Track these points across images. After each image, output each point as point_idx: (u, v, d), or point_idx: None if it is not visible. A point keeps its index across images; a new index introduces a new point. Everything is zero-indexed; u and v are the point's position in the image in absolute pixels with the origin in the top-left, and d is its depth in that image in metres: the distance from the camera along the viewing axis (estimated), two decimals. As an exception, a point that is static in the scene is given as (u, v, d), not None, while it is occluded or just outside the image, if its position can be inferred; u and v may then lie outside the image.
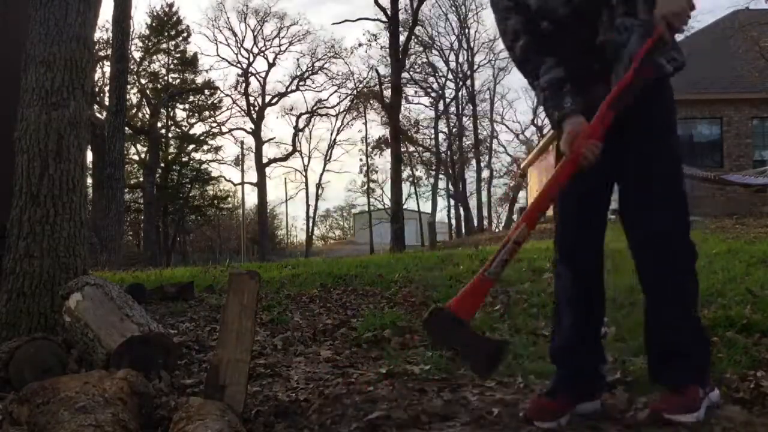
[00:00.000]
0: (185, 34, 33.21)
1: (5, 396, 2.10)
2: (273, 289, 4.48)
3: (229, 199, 36.88)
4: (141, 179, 29.13)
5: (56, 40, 2.80)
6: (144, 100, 30.07)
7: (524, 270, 4.88)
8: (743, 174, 14.57)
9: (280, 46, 35.64)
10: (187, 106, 33.40)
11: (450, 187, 35.94)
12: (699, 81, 16.97)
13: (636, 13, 1.79)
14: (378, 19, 24.65)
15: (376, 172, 38.16)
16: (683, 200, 1.87)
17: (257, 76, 35.43)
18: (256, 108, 34.32)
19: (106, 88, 19.72)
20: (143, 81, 30.52)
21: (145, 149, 30.06)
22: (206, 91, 33.18)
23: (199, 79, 33.55)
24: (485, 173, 36.88)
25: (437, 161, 34.86)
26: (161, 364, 2.35)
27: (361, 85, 32.96)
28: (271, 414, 1.98)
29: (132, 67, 26.04)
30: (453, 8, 35.26)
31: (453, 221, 36.19)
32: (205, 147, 33.86)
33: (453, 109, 35.88)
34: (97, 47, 20.46)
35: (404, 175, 28.87)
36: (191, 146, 33.53)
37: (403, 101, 29.30)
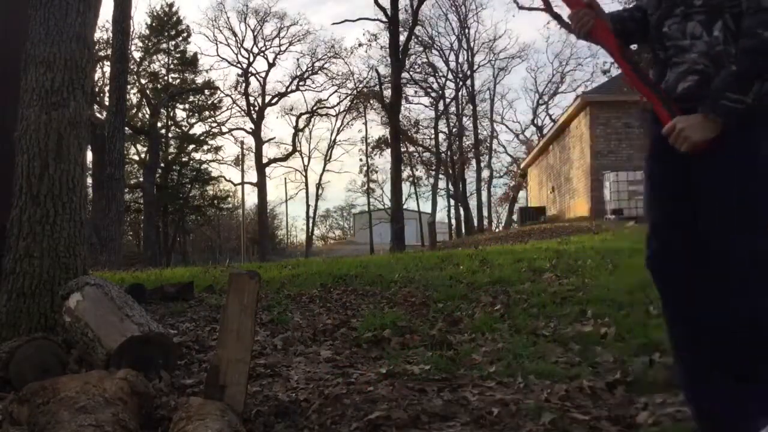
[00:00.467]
0: (185, 34, 33.21)
1: (5, 396, 2.10)
2: (273, 289, 4.48)
3: (229, 199, 36.88)
4: (141, 179, 29.12)
5: (56, 40, 2.80)
6: (144, 100, 30.06)
7: (524, 270, 4.88)
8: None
9: (280, 46, 35.65)
10: (187, 106, 33.40)
11: (450, 187, 35.93)
12: (699, 81, 16.98)
13: (711, 28, 1.56)
14: (378, 19, 24.63)
15: (376, 172, 38.17)
16: None
17: (257, 76, 35.43)
18: (256, 108, 34.32)
19: (106, 88, 19.71)
20: (143, 81, 30.51)
21: (145, 149, 30.06)
22: (206, 91, 33.18)
23: (199, 79, 33.55)
24: (485, 173, 36.90)
25: (437, 161, 34.85)
26: (161, 364, 2.35)
27: (361, 85, 32.97)
28: (271, 414, 1.98)
29: (132, 67, 26.03)
30: (453, 8, 35.25)
31: (453, 221, 36.18)
32: (205, 147, 33.88)
33: (453, 109, 35.88)
34: (97, 47, 20.46)
35: (404, 175, 28.86)
36: (191, 146, 33.54)
37: (403, 101, 29.29)
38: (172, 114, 32.97)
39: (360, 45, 39.58)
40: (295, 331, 3.20)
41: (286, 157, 36.19)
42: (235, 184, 36.15)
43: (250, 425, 1.90)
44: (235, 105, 34.35)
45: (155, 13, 32.75)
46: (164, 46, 32.60)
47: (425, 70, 34.66)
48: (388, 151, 26.57)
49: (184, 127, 33.59)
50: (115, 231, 11.62)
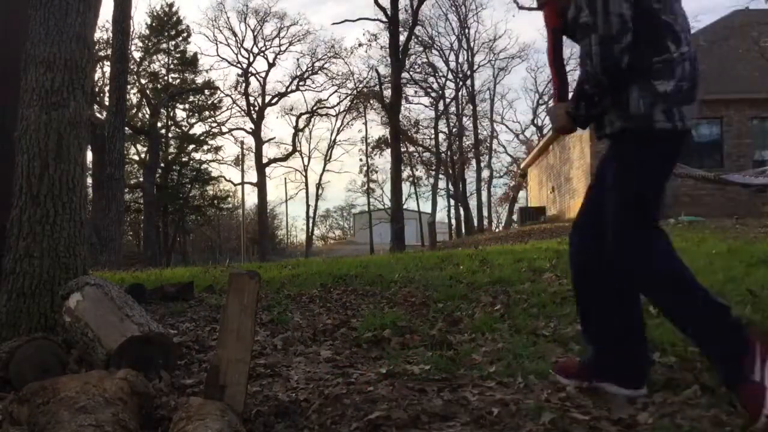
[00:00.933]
0: (185, 34, 33.22)
1: (5, 396, 2.10)
2: (273, 289, 4.48)
3: (229, 199, 36.91)
4: (141, 179, 29.12)
5: (56, 40, 2.80)
6: (144, 100, 30.06)
7: (524, 270, 4.88)
8: (743, 174, 14.57)
9: (280, 46, 35.72)
10: (187, 106, 33.42)
11: (450, 187, 35.94)
12: (699, 81, 16.97)
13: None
14: (378, 19, 24.66)
15: (376, 172, 38.22)
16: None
17: (257, 76, 35.47)
18: (256, 108, 34.34)
19: (106, 88, 19.71)
20: (143, 81, 30.52)
21: (145, 149, 30.06)
22: (206, 91, 33.19)
23: (199, 79, 33.56)
24: (485, 173, 36.93)
25: (437, 161, 34.87)
26: (161, 364, 2.35)
27: (361, 85, 32.98)
28: (271, 414, 1.98)
29: (132, 67, 26.04)
30: (453, 8, 35.29)
31: (453, 221, 36.19)
32: (205, 147, 33.90)
33: (453, 109, 35.90)
34: (97, 47, 20.45)
35: (404, 175, 28.87)
36: (191, 146, 33.54)
37: (403, 101, 29.30)
38: (172, 114, 32.99)
39: (360, 45, 39.69)
40: (295, 331, 3.20)
41: (286, 157, 36.21)
42: (235, 184, 36.17)
43: (250, 425, 1.90)
44: (235, 105, 34.39)
45: (155, 13, 32.76)
46: (164, 46, 32.61)
47: (425, 70, 34.70)
48: (388, 151, 26.57)
49: (184, 127, 33.61)
50: (115, 231, 11.62)
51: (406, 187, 30.75)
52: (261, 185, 32.96)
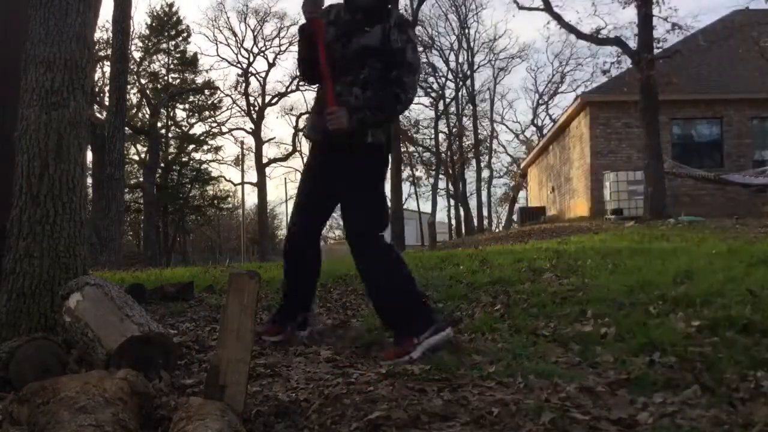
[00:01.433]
0: (185, 34, 33.25)
1: (5, 396, 2.10)
2: (273, 289, 4.47)
3: (229, 199, 36.91)
4: (141, 179, 29.11)
5: (56, 40, 2.80)
6: (144, 100, 30.06)
7: (524, 270, 4.88)
8: (743, 174, 14.58)
9: (280, 46, 35.77)
10: (187, 106, 33.43)
11: (450, 187, 35.93)
12: (699, 81, 16.99)
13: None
14: (378, 19, 24.59)
15: (376, 172, 38.09)
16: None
17: (257, 76, 35.49)
18: (256, 108, 34.35)
19: (106, 88, 19.70)
20: (143, 81, 30.52)
21: (145, 149, 30.06)
22: (206, 91, 33.20)
23: (199, 79, 33.56)
24: (485, 173, 36.94)
25: (437, 161, 34.86)
26: (161, 364, 2.35)
27: (361, 85, 32.92)
28: (271, 414, 1.98)
29: (132, 67, 26.04)
30: (453, 8, 35.32)
31: (453, 221, 36.19)
32: (205, 147, 33.91)
33: (453, 109, 35.91)
34: (97, 47, 20.45)
35: (404, 175, 28.85)
36: (191, 146, 33.54)
37: (403, 101, 29.22)
38: (172, 114, 33.00)
39: (360, 45, 39.42)
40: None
41: (286, 157, 36.20)
42: (235, 184, 36.17)
43: (250, 425, 1.90)
44: (235, 105, 34.41)
45: (155, 13, 32.78)
46: (164, 46, 32.62)
47: (425, 70, 34.66)
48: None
49: (184, 127, 33.63)
50: (115, 231, 11.62)
51: (406, 187, 30.75)
52: (261, 185, 32.97)
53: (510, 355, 2.58)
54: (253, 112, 34.10)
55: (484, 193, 36.96)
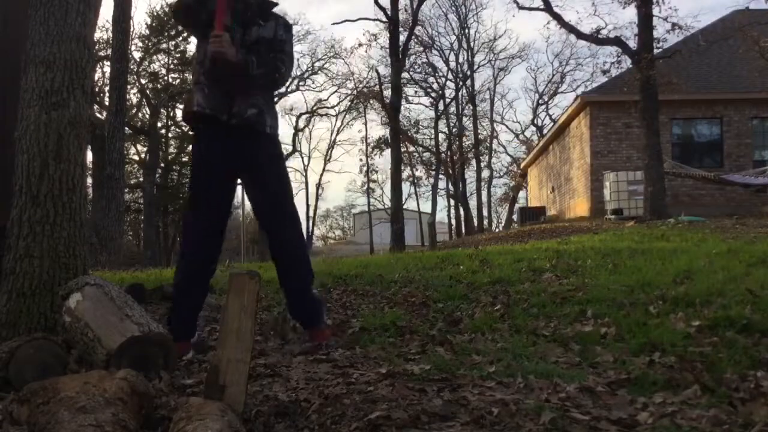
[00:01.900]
0: (185, 34, 33.16)
1: (5, 396, 2.10)
2: (273, 289, 4.47)
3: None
4: (141, 179, 29.10)
5: (56, 40, 2.80)
6: (144, 100, 30.05)
7: (524, 270, 4.88)
8: (743, 174, 14.58)
9: (280, 46, 35.57)
10: (187, 106, 33.36)
11: (450, 187, 35.93)
12: (699, 81, 16.99)
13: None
14: (378, 19, 24.62)
15: (376, 172, 38.18)
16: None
17: (257, 76, 35.35)
18: (256, 108, 34.24)
19: (106, 88, 19.68)
20: (143, 81, 30.50)
21: (145, 149, 30.05)
22: (206, 91, 33.10)
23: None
24: (485, 173, 36.93)
25: (437, 161, 34.85)
26: (161, 364, 2.35)
27: (361, 85, 32.95)
28: (271, 414, 1.98)
29: (132, 67, 26.03)
30: (453, 8, 35.33)
31: (453, 221, 36.18)
32: (206, 147, 33.80)
33: (453, 109, 35.89)
34: (97, 47, 20.45)
35: (404, 175, 28.85)
36: (191, 146, 33.47)
37: (403, 101, 29.30)
38: (172, 114, 32.94)
39: (360, 45, 39.59)
40: (295, 331, 3.20)
41: (286, 157, 36.09)
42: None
43: (250, 425, 1.90)
44: (235, 105, 34.29)
45: (155, 13, 32.72)
46: (164, 46, 32.58)
47: (425, 70, 34.69)
48: (388, 151, 26.56)
49: (184, 127, 33.55)
50: (115, 231, 11.61)
51: (406, 187, 30.77)
52: (261, 185, 32.88)
53: (510, 355, 2.59)
54: (253, 112, 34.01)
55: (484, 193, 36.97)
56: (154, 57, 32.15)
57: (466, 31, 35.65)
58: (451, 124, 35.94)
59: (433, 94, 35.32)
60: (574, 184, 18.72)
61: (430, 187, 36.60)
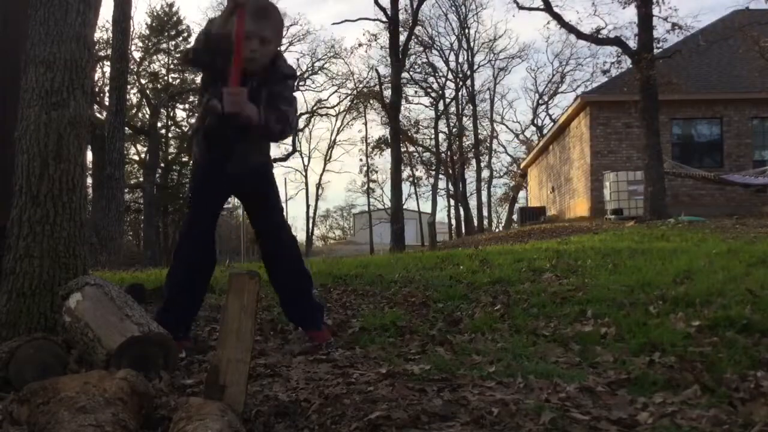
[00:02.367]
0: (185, 34, 33.21)
1: (5, 396, 2.10)
2: (273, 289, 4.47)
3: (229, 199, 36.85)
4: (141, 179, 29.11)
5: (56, 40, 2.80)
6: (144, 100, 30.06)
7: (524, 270, 4.88)
8: (743, 174, 14.59)
9: (280, 46, 35.62)
10: (187, 106, 33.40)
11: (450, 187, 35.94)
12: (699, 81, 16.99)
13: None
14: (378, 19, 24.65)
15: (376, 172, 38.23)
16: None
17: (257, 76, 35.36)
18: (256, 108, 34.25)
19: (106, 88, 19.69)
20: (143, 81, 30.52)
21: (145, 149, 30.06)
22: (206, 91, 33.12)
23: (199, 79, 33.52)
24: (485, 173, 36.96)
25: (437, 161, 34.86)
26: (161, 364, 2.35)
27: (361, 85, 32.97)
28: (271, 414, 1.98)
29: (132, 67, 26.03)
30: (453, 8, 35.36)
31: (453, 221, 36.19)
32: (206, 147, 33.81)
33: (453, 109, 35.91)
34: (97, 47, 20.45)
35: (404, 175, 28.87)
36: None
37: (403, 101, 29.30)
38: (172, 114, 32.99)
39: (360, 45, 39.63)
40: (295, 331, 3.20)
41: (286, 157, 36.19)
42: (234, 184, 36.05)
43: (250, 425, 1.90)
44: (235, 105, 34.30)
45: (155, 13, 32.78)
46: (164, 46, 32.62)
47: (425, 70, 34.73)
48: (388, 151, 26.56)
49: (184, 127, 33.59)
50: (115, 231, 11.62)
51: (406, 187, 30.78)
52: (261, 185, 32.89)
53: (510, 355, 2.58)
54: (252, 112, 34.02)
55: (484, 193, 37.00)
56: (154, 57, 32.18)
57: (466, 31, 35.69)
58: (451, 124, 35.96)
59: (433, 94, 35.36)
60: (574, 184, 18.72)
61: (430, 187, 36.66)
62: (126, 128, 15.22)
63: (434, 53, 35.01)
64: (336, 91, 43.90)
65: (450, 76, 35.94)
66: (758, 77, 15.95)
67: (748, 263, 4.43)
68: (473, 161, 35.47)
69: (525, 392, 2.09)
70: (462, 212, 34.07)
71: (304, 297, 2.96)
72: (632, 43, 13.76)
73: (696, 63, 16.92)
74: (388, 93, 25.41)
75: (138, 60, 30.06)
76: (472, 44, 35.66)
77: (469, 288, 4.23)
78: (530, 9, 16.19)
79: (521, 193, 35.93)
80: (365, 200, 36.28)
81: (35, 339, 2.38)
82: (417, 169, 35.89)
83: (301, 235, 44.03)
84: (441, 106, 35.20)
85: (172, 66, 32.95)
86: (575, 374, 2.30)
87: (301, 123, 36.30)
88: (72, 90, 2.80)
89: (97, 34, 21.88)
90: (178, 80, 32.91)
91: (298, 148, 36.67)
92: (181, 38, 33.08)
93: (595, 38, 14.93)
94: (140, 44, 31.39)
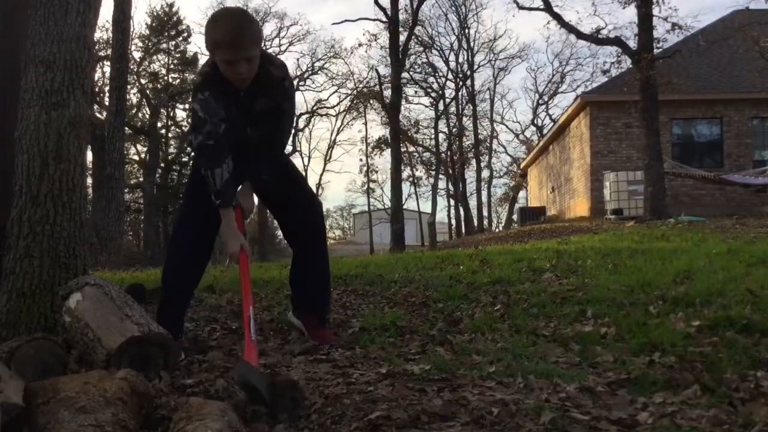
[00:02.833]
0: (185, 34, 33.25)
1: (5, 396, 2.10)
2: (273, 289, 4.47)
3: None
4: (141, 179, 29.11)
5: (56, 40, 2.80)
6: (144, 100, 30.06)
7: (524, 270, 4.88)
8: (743, 174, 14.59)
9: (280, 46, 35.67)
10: (187, 106, 33.40)
11: (450, 187, 35.93)
12: (699, 81, 16.99)
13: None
14: (378, 19, 24.65)
15: (376, 172, 38.23)
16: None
17: (257, 76, 35.35)
18: (256, 108, 34.24)
19: (106, 88, 19.69)
20: (143, 81, 30.52)
21: (145, 149, 30.07)
22: (206, 91, 33.10)
23: (199, 79, 33.48)
24: (485, 173, 36.97)
25: (437, 161, 34.86)
26: (161, 364, 2.35)
27: (361, 85, 32.96)
28: (272, 414, 1.97)
29: (132, 67, 26.04)
30: (453, 8, 35.37)
31: (453, 221, 36.19)
32: (205, 147, 33.80)
33: (453, 109, 35.91)
34: (97, 47, 20.45)
35: (404, 175, 28.86)
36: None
37: (403, 101, 29.30)
38: (172, 114, 33.01)
39: (360, 45, 39.64)
40: (295, 331, 3.20)
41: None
42: (234, 184, 36.04)
43: (251, 425, 1.90)
44: (235, 105, 34.31)
45: (155, 13, 32.79)
46: (164, 46, 32.63)
47: (425, 70, 34.74)
48: (388, 151, 26.56)
49: (184, 127, 33.59)
50: (115, 231, 11.61)
51: (406, 187, 30.78)
52: (261, 185, 32.89)
53: (510, 355, 2.58)
54: (253, 112, 34.01)
55: (484, 193, 37.00)
56: (154, 57, 32.19)
57: (466, 31, 35.69)
58: (451, 124, 35.97)
59: (433, 94, 35.36)
60: (574, 184, 18.72)
61: (430, 187, 36.66)
62: (126, 128, 15.21)
63: (434, 53, 35.03)
64: (336, 91, 43.95)
65: (450, 76, 35.96)
66: (758, 77, 15.95)
67: (748, 263, 4.43)
68: (473, 161, 35.47)
69: (525, 392, 2.09)
70: (462, 212, 34.06)
71: (326, 274, 3.07)
72: (632, 43, 13.77)
73: (696, 63, 16.92)
74: (388, 93, 25.41)
75: (138, 60, 30.07)
76: (472, 44, 35.67)
77: (469, 288, 4.22)
78: (530, 9, 16.19)
79: (521, 193, 35.94)
80: (365, 200, 36.30)
81: (35, 339, 2.38)
82: (417, 169, 35.91)
83: (301, 235, 44.01)
84: (441, 106, 35.20)
85: (172, 66, 32.97)
86: (575, 374, 2.30)
87: (301, 123, 36.32)
88: (72, 90, 2.80)
89: (97, 34, 21.89)
90: (178, 80, 32.92)
91: (298, 148, 36.67)
92: (181, 38, 33.10)
93: (595, 38, 14.93)
94: (140, 44, 31.42)
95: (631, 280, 4.03)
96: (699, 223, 10.76)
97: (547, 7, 15.02)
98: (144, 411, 1.91)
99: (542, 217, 20.11)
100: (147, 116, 29.50)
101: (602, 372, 2.35)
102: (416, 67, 33.36)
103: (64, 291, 2.57)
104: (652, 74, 12.77)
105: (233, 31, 2.49)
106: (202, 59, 39.60)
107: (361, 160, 37.00)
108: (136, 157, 31.07)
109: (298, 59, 38.75)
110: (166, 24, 32.76)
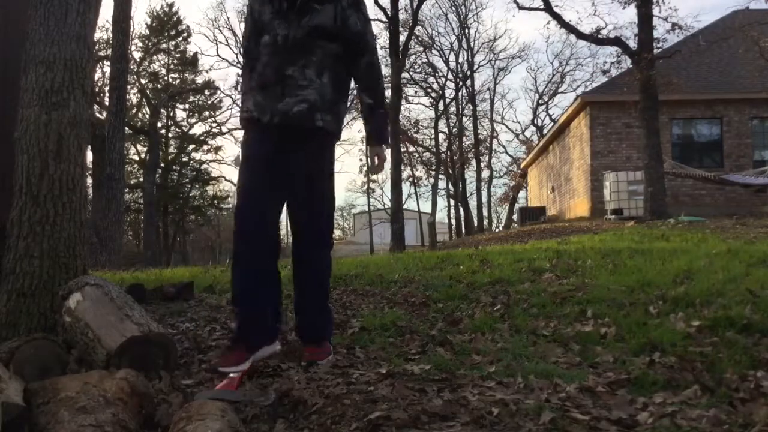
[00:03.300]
0: (185, 34, 33.23)
1: (5, 396, 2.10)
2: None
3: (229, 199, 36.86)
4: (141, 179, 29.10)
5: (56, 40, 2.80)
6: (144, 100, 30.06)
7: (524, 270, 4.88)
8: (743, 174, 14.58)
9: (280, 46, 35.60)
10: (187, 106, 33.43)
11: (450, 187, 35.93)
12: (699, 81, 16.99)
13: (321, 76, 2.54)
14: (378, 19, 24.61)
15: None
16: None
17: (257, 76, 35.35)
18: (256, 108, 34.24)
19: (106, 88, 19.68)
20: (143, 81, 30.51)
21: (145, 149, 30.05)
22: (206, 91, 33.17)
23: (199, 79, 33.53)
24: (485, 173, 36.94)
25: (437, 161, 34.85)
26: (161, 364, 2.35)
27: (361, 85, 32.88)
28: (272, 414, 1.98)
29: (132, 67, 26.03)
30: (453, 8, 35.34)
31: (453, 221, 36.18)
32: (205, 147, 33.89)
33: (453, 109, 35.89)
34: (97, 47, 20.45)
35: (404, 175, 28.85)
36: (191, 146, 33.52)
37: (403, 101, 29.29)
38: (172, 114, 32.98)
39: (360, 45, 39.43)
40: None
41: (286, 158, 36.17)
42: (235, 184, 36.08)
43: (251, 425, 1.90)
44: (235, 105, 34.33)
45: (155, 13, 32.77)
46: (164, 46, 32.61)
47: (425, 70, 34.69)
48: (388, 151, 26.54)
49: (184, 127, 33.63)
50: (115, 231, 11.61)
51: (406, 187, 30.76)
52: (261, 185, 32.86)
53: (510, 355, 2.58)
54: (253, 112, 34.01)
55: (484, 193, 36.97)
56: (154, 57, 32.17)
57: (466, 31, 35.66)
58: (451, 124, 35.95)
59: (433, 94, 35.34)
60: (574, 184, 18.72)
61: (430, 187, 36.61)
62: (126, 128, 15.21)
63: (434, 53, 35.00)
64: (336, 91, 43.75)
65: (450, 76, 35.94)
66: (758, 77, 15.93)
67: (748, 263, 4.43)
68: (473, 161, 35.45)
69: (525, 392, 2.09)
70: (462, 212, 34.06)
71: (322, 305, 2.71)
72: (632, 43, 13.76)
73: (696, 63, 16.92)
74: (388, 93, 25.41)
75: (138, 60, 30.05)
76: (472, 44, 35.64)
77: (469, 288, 4.22)
78: (530, 9, 16.17)
79: (521, 193, 35.94)
80: (365, 200, 36.34)
81: (35, 339, 2.38)
82: (417, 169, 35.89)
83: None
84: (441, 106, 35.20)
85: (172, 66, 32.96)
86: (575, 374, 2.30)
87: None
88: (72, 90, 2.81)
89: (97, 34, 21.89)
90: (178, 80, 32.92)
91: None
92: (181, 38, 33.09)
93: (595, 38, 14.91)
94: (140, 44, 31.40)
95: (631, 280, 4.03)
96: (699, 223, 10.75)
97: (547, 7, 15.02)
98: (144, 411, 1.91)
99: (542, 217, 20.10)
100: (147, 116, 29.48)
101: (602, 372, 2.35)
102: (416, 67, 33.37)
103: (64, 291, 2.57)
104: (652, 74, 12.76)
105: None
106: (202, 59, 39.56)
107: (361, 160, 36.97)
108: (136, 157, 31.08)
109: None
110: (166, 24, 32.75)
